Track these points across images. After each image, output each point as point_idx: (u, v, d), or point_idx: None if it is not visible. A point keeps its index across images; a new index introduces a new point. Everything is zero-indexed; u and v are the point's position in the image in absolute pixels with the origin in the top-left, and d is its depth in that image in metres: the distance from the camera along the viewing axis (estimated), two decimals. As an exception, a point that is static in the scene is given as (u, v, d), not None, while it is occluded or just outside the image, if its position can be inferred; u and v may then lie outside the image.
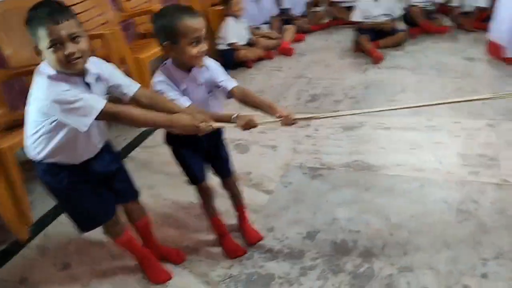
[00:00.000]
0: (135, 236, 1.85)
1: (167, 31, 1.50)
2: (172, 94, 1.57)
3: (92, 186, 1.60)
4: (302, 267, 1.80)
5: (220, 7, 4.21)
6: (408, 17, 4.28)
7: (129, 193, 1.79)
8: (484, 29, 3.73)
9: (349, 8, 4.86)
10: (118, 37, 2.93)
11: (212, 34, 4.16)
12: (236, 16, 4.08)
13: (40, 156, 1.47)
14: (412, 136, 2.61)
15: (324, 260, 1.82)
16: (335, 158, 2.51)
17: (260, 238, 1.98)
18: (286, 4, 4.73)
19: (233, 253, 1.91)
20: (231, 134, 2.83)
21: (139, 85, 1.59)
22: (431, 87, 3.19)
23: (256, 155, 2.68)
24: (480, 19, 4.08)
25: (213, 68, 1.67)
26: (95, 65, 1.47)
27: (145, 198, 1.99)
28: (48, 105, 1.33)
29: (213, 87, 1.67)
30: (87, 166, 1.56)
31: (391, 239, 1.89)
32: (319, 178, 2.36)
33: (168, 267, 1.87)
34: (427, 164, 2.34)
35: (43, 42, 1.30)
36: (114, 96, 1.57)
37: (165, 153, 1.83)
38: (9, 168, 2.06)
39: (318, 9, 5.03)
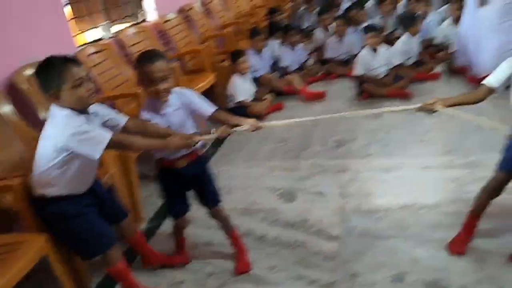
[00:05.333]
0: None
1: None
2: (156, 121, 1.90)
3: (95, 210, 1.85)
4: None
5: (227, 64, 4.31)
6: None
7: (121, 213, 2.06)
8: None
9: (345, 62, 5.15)
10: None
11: (221, 91, 4.20)
12: (242, 74, 4.18)
13: (49, 191, 1.71)
14: (455, 173, 2.69)
15: (424, 301, 1.79)
16: (389, 200, 2.53)
17: (248, 269, 2.13)
18: (284, 63, 4.91)
19: None
20: (272, 183, 2.84)
21: (127, 117, 1.90)
22: (450, 126, 3.32)
23: (305, 202, 2.65)
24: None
25: (188, 95, 2.00)
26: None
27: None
28: (65, 139, 1.59)
29: (191, 111, 2.01)
30: (89, 193, 1.84)
31: (481, 273, 1.89)
32: (382, 221, 2.36)
33: None
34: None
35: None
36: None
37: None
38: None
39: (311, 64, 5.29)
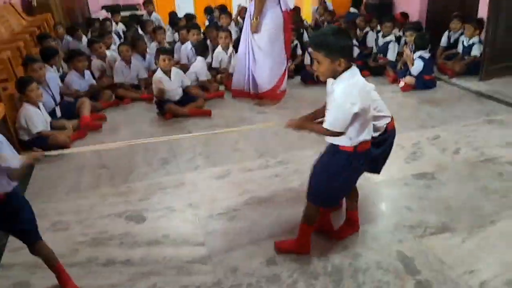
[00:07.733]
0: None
1: None
2: None
3: None
4: (287, 286, 2.05)
5: (13, 92, 3.79)
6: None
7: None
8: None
9: (135, 86, 5.20)
10: None
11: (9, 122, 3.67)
12: (34, 103, 3.77)
13: None
14: (274, 171, 3.18)
15: (299, 273, 2.12)
16: (232, 201, 2.80)
17: None
18: (73, 88, 4.64)
19: None
20: (111, 210, 2.74)
21: None
22: (252, 135, 3.84)
23: (158, 219, 2.67)
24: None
25: None
26: None
27: None
28: None
29: None
30: None
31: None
32: (235, 219, 2.61)
33: None
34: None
35: None
36: None
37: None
38: None
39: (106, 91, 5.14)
